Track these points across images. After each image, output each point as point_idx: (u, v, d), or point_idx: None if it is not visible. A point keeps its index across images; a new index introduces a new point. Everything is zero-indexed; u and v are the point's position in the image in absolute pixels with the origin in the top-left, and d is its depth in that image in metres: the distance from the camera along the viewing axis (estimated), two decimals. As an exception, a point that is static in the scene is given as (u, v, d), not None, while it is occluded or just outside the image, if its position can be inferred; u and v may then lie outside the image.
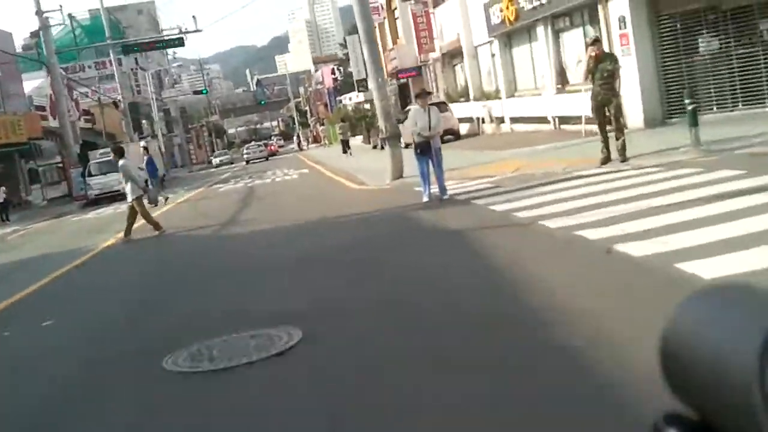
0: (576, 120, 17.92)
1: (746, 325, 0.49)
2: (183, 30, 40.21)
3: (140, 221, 13.50)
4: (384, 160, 16.65)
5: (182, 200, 22.88)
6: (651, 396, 1.25)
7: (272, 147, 67.36)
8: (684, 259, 5.22)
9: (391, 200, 12.56)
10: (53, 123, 34.67)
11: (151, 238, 13.20)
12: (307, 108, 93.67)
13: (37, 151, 32.80)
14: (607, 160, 11.29)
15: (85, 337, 6.44)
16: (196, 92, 77.71)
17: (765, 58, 14.45)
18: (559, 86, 20.25)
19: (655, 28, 15.64)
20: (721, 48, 15.06)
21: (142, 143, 29.86)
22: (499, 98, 24.99)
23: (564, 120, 19.75)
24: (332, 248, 8.77)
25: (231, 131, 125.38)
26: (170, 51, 66.83)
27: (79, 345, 6.15)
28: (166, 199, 22.02)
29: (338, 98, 62.69)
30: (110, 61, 44.76)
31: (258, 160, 53.24)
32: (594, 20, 17.74)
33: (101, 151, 31.30)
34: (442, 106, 21.89)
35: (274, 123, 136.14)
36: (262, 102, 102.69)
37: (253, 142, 70.76)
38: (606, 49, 14.01)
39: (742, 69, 14.69)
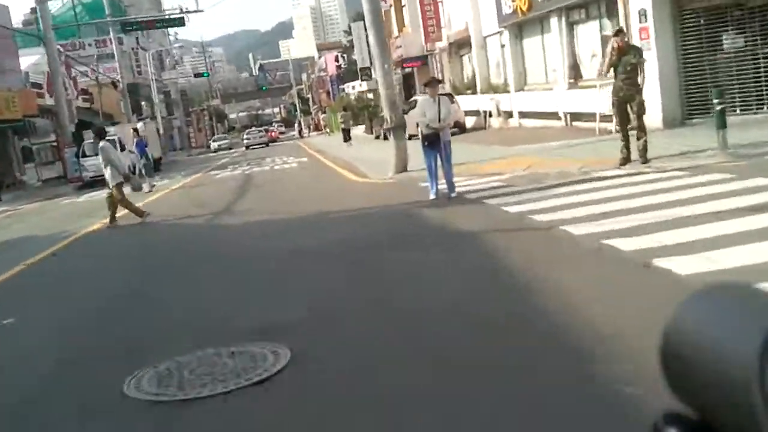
0: (589, 117, 17.14)
1: (746, 325, 0.49)
2: (184, 9, 39.33)
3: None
4: (386, 151, 15.88)
5: (177, 186, 22.07)
6: None
7: (273, 133, 66.96)
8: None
9: (395, 195, 11.73)
10: (50, 101, 33.82)
11: (135, 225, 12.57)
12: (309, 95, 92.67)
13: (32, 128, 31.96)
14: (626, 161, 10.51)
15: (39, 346, 5.62)
16: (197, 75, 76.87)
17: (793, 59, 13.69)
18: (572, 81, 19.41)
19: (677, 23, 14.83)
20: (746, 46, 14.29)
21: (134, 126, 29.11)
22: (508, 91, 24.12)
23: (576, 116, 18.91)
24: (333, 245, 8.02)
25: (232, 116, 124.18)
26: (172, 32, 65.95)
27: (32, 354, 5.37)
28: (152, 186, 21.19)
29: (341, 86, 61.95)
30: (110, 40, 43.76)
31: (258, 146, 53.09)
32: (612, 13, 16.93)
33: None
34: (449, 98, 21.08)
35: (276, 109, 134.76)
36: (264, 88, 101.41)
37: (254, 128, 70.59)
38: (626, 43, 13.21)
39: (768, 69, 13.94)
